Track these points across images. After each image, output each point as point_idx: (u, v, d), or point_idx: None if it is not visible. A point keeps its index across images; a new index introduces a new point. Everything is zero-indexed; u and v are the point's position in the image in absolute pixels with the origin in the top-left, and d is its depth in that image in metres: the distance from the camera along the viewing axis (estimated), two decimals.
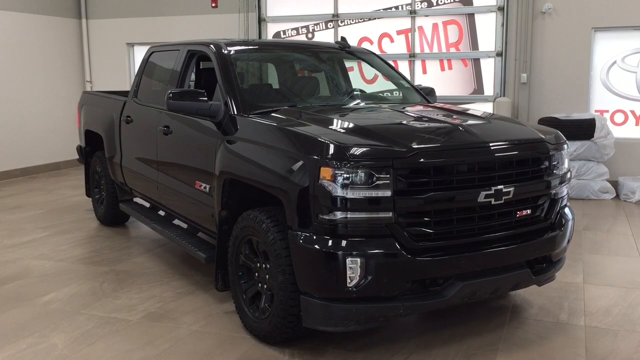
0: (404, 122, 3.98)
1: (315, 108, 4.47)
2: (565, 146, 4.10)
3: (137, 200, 6.43)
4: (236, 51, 4.81)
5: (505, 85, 9.10)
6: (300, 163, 3.44)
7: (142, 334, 4.02)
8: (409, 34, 9.52)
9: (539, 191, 3.79)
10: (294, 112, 4.18)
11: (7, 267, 5.44)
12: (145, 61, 6.00)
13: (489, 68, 9.23)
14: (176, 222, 5.53)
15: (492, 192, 3.49)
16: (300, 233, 3.41)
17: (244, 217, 3.92)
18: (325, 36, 9.93)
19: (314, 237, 3.35)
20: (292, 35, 10.13)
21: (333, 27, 9.89)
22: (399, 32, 9.58)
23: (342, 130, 3.70)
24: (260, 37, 10.20)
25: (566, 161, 4.09)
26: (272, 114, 4.13)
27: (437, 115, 4.22)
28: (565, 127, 8.24)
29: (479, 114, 4.39)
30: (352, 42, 9.69)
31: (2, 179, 9.96)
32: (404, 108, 4.56)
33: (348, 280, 3.29)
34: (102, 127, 6.55)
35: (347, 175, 3.25)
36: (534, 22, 8.86)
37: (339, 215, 3.28)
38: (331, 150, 3.31)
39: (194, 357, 3.70)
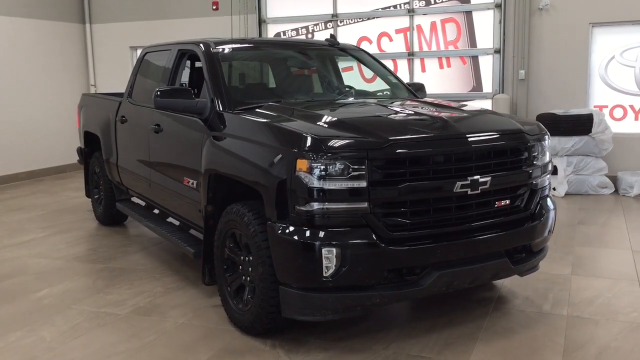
0: (384, 115, 4.05)
1: (300, 103, 4.53)
2: (547, 137, 4.13)
3: (135, 199, 6.52)
4: (224, 50, 4.88)
5: (504, 82, 9.11)
6: (277, 156, 3.51)
7: (129, 327, 4.10)
8: (408, 33, 9.56)
9: (517, 181, 3.83)
10: (276, 107, 4.24)
11: (5, 265, 5.55)
12: (140, 62, 6.10)
13: (487, 65, 9.25)
14: (170, 219, 5.61)
15: (468, 182, 3.53)
16: (278, 224, 3.48)
17: (227, 211, 3.99)
18: (324, 36, 9.95)
19: (291, 228, 3.41)
20: (292, 36, 10.21)
21: (332, 27, 9.95)
22: (397, 31, 9.62)
23: (320, 124, 3.74)
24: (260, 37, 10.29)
25: (547, 152, 4.12)
26: (255, 110, 4.20)
27: (418, 108, 4.28)
28: (563, 122, 8.27)
29: (460, 107, 4.43)
30: (352, 41, 9.80)
31: (9, 181, 10.11)
32: (388, 103, 4.60)
33: (324, 270, 3.34)
34: (99, 127, 6.66)
35: (323, 167, 3.31)
36: (531, 18, 8.86)
37: (315, 206, 3.34)
38: (306, 143, 3.38)
39: (177, 348, 3.77)
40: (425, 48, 9.53)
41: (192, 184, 4.53)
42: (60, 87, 11.20)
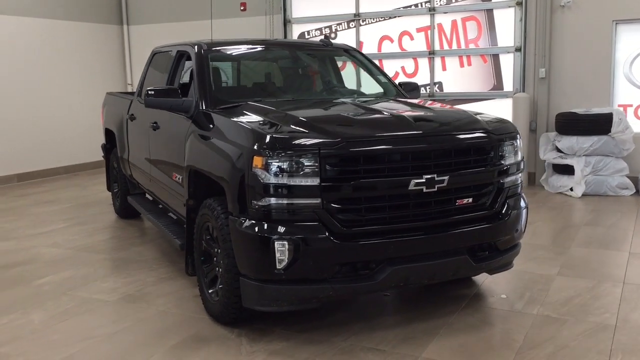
0: (351, 114, 4.15)
1: (278, 103, 4.67)
2: (517, 137, 4.15)
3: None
4: (215, 51, 5.10)
5: (525, 80, 9.01)
6: (238, 152, 3.68)
7: (113, 313, 4.36)
8: (429, 32, 9.56)
9: (480, 180, 3.87)
10: (250, 106, 4.39)
11: (20, 254, 5.92)
12: (149, 62, 6.39)
13: (508, 64, 9.16)
14: (170, 213, 5.86)
15: (424, 180, 3.60)
16: (237, 218, 3.65)
17: (203, 205, 4.19)
18: (347, 35, 10.10)
19: (248, 222, 3.58)
20: (315, 36, 10.36)
21: (355, 27, 10.05)
22: (418, 30, 9.64)
23: (281, 122, 3.87)
24: (285, 38, 10.49)
25: (518, 152, 4.14)
26: (231, 109, 4.37)
27: (390, 108, 4.36)
28: (582, 122, 8.14)
29: (432, 106, 4.48)
30: (373, 40, 9.90)
31: (47, 175, 10.65)
32: (365, 102, 4.70)
33: (277, 263, 3.49)
34: (115, 125, 7.00)
35: (277, 164, 3.46)
36: (553, 16, 8.73)
37: (269, 201, 3.50)
38: (262, 140, 3.53)
39: (150, 334, 3.98)
40: (446, 47, 9.51)
41: (179, 179, 4.74)
42: (98, 86, 11.65)
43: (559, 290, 4.58)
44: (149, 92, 4.70)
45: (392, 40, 9.83)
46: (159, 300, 4.57)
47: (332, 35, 10.26)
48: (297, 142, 3.50)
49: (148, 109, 5.66)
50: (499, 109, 9.15)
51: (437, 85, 9.64)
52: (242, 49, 5.49)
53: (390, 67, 9.91)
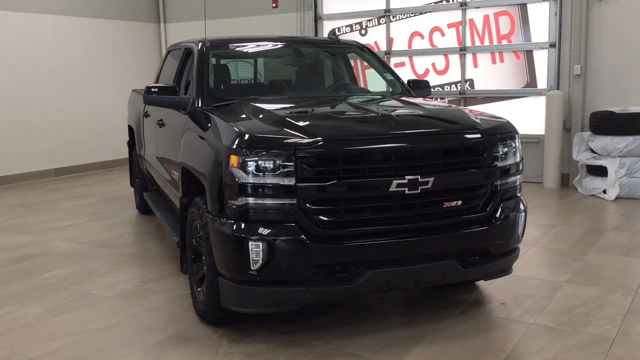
0: (339, 113, 4.04)
1: (273, 100, 4.61)
2: (515, 137, 3.96)
3: None
4: (217, 48, 5.07)
5: (560, 77, 8.65)
6: (217, 151, 3.64)
7: (106, 309, 4.38)
8: (460, 27, 9.30)
9: (469, 182, 3.71)
10: (242, 104, 4.32)
11: (35, 247, 6.06)
12: (164, 59, 6.43)
13: (542, 60, 8.81)
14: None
15: (406, 181, 3.47)
16: (216, 217, 3.60)
17: (192, 204, 4.16)
18: (377, 32, 9.95)
19: (225, 222, 3.53)
20: (346, 32, 10.25)
21: (385, 23, 9.88)
22: (449, 26, 9.39)
23: (264, 120, 3.80)
24: (316, 34, 10.42)
25: (517, 153, 3.95)
26: (223, 107, 4.33)
27: (385, 106, 4.24)
28: (617, 121, 7.77)
29: (429, 105, 4.33)
30: (404, 37, 9.71)
31: (83, 170, 10.92)
32: (363, 101, 4.59)
33: (252, 264, 3.43)
34: (134, 122, 7.08)
35: (252, 163, 3.40)
36: (589, 10, 8.35)
37: (245, 200, 3.44)
38: (238, 139, 3.47)
39: (135, 330, 3.99)
40: (477, 43, 9.23)
41: (176, 176, 4.74)
42: (136, 84, 11.84)
43: (563, 299, 4.36)
44: (149, 90, 4.71)
45: (422, 37, 9.62)
46: (153, 297, 4.58)
47: (363, 31, 10.13)
48: (273, 141, 3.43)
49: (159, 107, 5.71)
50: (532, 107, 8.87)
51: (468, 83, 9.37)
52: (246, 46, 5.44)
53: (420, 64, 9.72)
